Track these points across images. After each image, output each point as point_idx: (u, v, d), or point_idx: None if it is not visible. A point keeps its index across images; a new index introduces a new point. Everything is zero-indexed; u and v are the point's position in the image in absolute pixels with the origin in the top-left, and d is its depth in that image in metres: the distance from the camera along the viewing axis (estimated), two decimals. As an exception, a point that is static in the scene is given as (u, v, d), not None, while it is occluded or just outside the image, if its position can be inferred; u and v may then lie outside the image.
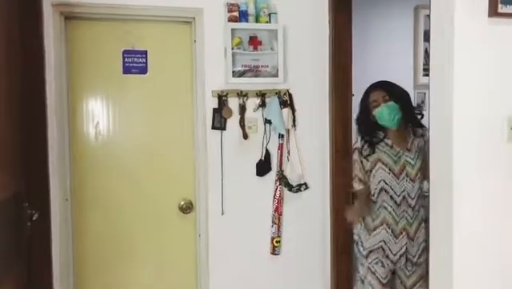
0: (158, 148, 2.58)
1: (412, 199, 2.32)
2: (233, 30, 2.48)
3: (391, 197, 2.33)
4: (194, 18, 2.51)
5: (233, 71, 2.49)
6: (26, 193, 1.94)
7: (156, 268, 2.60)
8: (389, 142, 2.37)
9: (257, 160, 2.58)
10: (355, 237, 2.47)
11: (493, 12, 1.50)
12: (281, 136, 2.59)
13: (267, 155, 2.59)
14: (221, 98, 2.52)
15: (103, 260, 2.54)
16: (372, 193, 2.37)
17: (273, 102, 2.55)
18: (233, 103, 2.55)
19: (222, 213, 2.57)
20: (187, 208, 2.59)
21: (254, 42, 2.54)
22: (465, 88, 1.52)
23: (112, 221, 2.54)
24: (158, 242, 2.59)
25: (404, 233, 2.32)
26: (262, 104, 2.57)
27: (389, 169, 2.33)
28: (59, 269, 2.38)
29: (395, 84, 2.41)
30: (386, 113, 2.30)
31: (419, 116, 2.44)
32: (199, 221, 2.59)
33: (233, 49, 2.48)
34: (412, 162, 2.34)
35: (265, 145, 2.59)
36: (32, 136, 2.13)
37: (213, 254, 2.58)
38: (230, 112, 2.55)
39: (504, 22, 1.53)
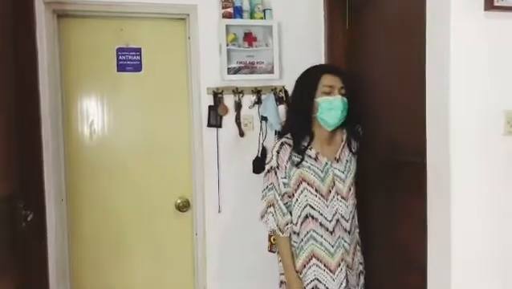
0: (154, 147, 2.56)
1: (347, 221, 1.91)
2: (227, 26, 2.46)
3: (320, 224, 1.88)
4: (188, 15, 2.49)
5: (229, 68, 2.48)
6: (20, 194, 1.92)
7: (153, 267, 2.59)
8: (313, 153, 1.90)
9: (253, 158, 2.57)
10: (282, 277, 2.01)
11: (489, 5, 1.49)
12: (277, 132, 2.58)
13: (263, 152, 2.57)
14: (217, 95, 2.51)
15: (100, 260, 2.53)
16: (295, 222, 1.92)
17: (269, 99, 2.53)
18: (229, 100, 2.54)
19: (219, 211, 2.56)
20: (183, 206, 2.58)
21: (249, 38, 2.53)
22: (461, 83, 1.51)
23: (108, 220, 2.52)
24: (155, 241, 2.58)
25: (342, 264, 1.89)
26: (258, 101, 2.56)
27: (316, 190, 1.87)
28: (56, 269, 2.37)
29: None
30: (339, 109, 1.84)
31: (359, 128, 2.03)
32: (196, 220, 2.58)
33: (227, 45, 2.46)
34: (343, 176, 1.91)
35: (261, 142, 2.57)
36: (26, 135, 2.11)
37: (211, 252, 2.57)
38: (226, 110, 2.54)
39: (500, 16, 1.52)
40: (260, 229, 2.60)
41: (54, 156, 2.35)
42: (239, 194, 2.59)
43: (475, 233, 1.55)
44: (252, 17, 2.53)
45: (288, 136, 1.95)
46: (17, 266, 1.90)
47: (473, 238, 1.54)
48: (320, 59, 2.63)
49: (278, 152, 1.92)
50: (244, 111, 2.56)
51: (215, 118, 2.52)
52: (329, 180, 1.90)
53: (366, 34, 2.35)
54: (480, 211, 1.55)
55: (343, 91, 1.88)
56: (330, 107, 1.85)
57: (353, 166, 1.98)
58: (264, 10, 2.54)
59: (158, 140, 2.56)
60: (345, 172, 1.92)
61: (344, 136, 1.99)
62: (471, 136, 1.53)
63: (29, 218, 1.94)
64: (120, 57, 2.49)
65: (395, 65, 2.02)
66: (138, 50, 2.52)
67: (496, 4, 1.49)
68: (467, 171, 1.53)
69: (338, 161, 1.93)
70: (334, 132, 1.95)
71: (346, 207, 1.91)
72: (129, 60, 2.50)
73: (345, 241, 1.92)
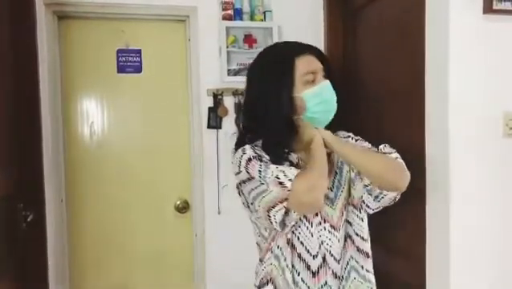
0: (153, 148, 2.57)
1: (338, 262, 1.34)
2: (227, 28, 2.47)
3: (299, 256, 1.32)
4: (188, 17, 2.50)
5: (229, 70, 2.48)
6: (20, 195, 1.92)
7: (152, 268, 2.59)
8: (294, 158, 1.36)
9: (253, 159, 2.57)
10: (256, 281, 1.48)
11: (488, 9, 1.50)
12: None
13: (263, 153, 2.57)
14: (217, 97, 2.51)
15: (100, 261, 2.53)
16: (277, 245, 1.36)
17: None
18: (229, 101, 2.54)
19: (219, 213, 2.56)
20: (183, 207, 2.59)
21: (249, 40, 2.53)
22: (460, 85, 1.52)
23: (108, 221, 2.53)
24: (154, 242, 2.59)
25: None
26: (258, 103, 2.56)
27: None
28: (55, 270, 2.37)
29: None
30: (333, 98, 1.32)
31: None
32: (195, 221, 2.58)
33: (228, 47, 2.47)
34: (331, 195, 1.36)
35: (261, 144, 2.57)
36: (26, 136, 2.11)
37: (210, 254, 2.57)
38: (226, 111, 2.54)
39: (499, 19, 1.53)
40: (259, 231, 2.61)
41: (54, 157, 2.36)
42: (239, 195, 2.59)
43: (474, 234, 1.55)
44: (252, 19, 2.54)
45: (258, 144, 1.37)
46: (17, 267, 1.90)
47: (472, 239, 1.55)
48: (320, 60, 2.64)
49: (251, 148, 1.34)
50: (244, 112, 2.56)
51: (215, 119, 2.53)
52: None
53: (366, 36, 2.36)
54: (479, 212, 1.55)
55: (325, 75, 1.36)
56: (320, 101, 1.30)
57: (344, 181, 1.41)
58: (264, 12, 2.55)
59: (158, 141, 2.57)
60: (334, 190, 1.36)
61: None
62: (470, 138, 1.54)
63: (29, 219, 1.94)
64: (120, 58, 2.50)
65: (395, 66, 2.03)
66: (138, 52, 2.52)
67: (495, 7, 1.50)
68: (466, 173, 1.54)
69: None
70: None
71: (337, 241, 1.33)
72: (129, 62, 2.51)
73: None
